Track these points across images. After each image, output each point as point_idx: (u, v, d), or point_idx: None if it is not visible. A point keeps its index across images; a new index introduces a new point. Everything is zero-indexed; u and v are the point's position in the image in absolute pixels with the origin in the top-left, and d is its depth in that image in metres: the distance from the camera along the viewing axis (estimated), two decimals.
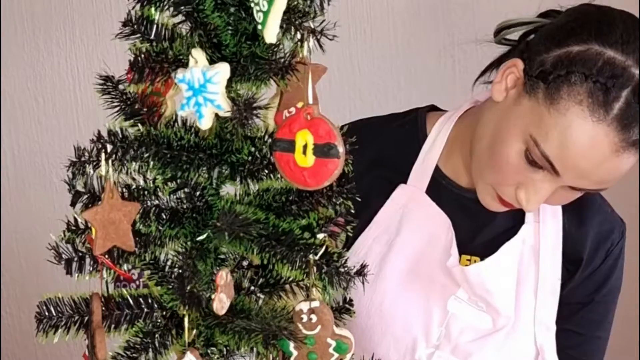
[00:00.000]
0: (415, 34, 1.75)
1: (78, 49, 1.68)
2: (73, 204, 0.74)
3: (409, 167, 1.10)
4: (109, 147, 0.69)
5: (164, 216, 0.73)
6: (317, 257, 0.70)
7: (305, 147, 0.66)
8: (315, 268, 0.70)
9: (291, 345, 0.71)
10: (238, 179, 0.73)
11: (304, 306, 0.71)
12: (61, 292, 0.76)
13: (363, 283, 0.73)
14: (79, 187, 0.73)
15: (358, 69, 1.75)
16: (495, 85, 1.01)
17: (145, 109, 0.72)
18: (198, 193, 0.73)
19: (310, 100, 0.67)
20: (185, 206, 0.73)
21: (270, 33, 0.64)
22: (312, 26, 0.66)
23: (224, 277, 0.68)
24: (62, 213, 1.90)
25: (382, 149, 1.11)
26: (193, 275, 0.69)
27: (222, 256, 0.76)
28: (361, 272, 0.73)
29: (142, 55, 0.68)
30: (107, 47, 1.68)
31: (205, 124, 0.67)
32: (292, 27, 0.65)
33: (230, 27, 0.69)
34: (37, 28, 1.67)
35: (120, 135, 0.69)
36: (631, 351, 1.95)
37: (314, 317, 0.71)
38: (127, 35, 0.69)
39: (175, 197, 0.73)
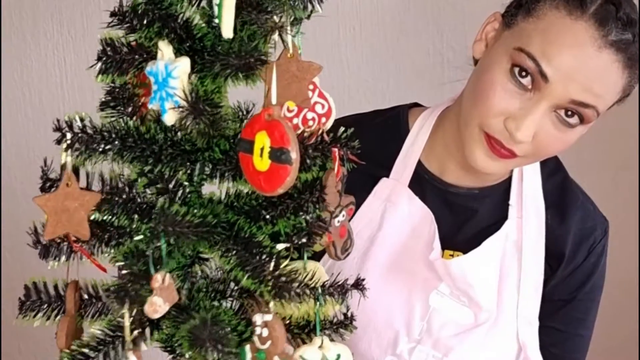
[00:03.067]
0: (404, 32, 1.74)
1: (66, 41, 1.67)
2: (42, 190, 0.74)
3: (392, 162, 1.10)
4: (69, 136, 0.67)
5: (133, 209, 0.71)
6: (271, 269, 0.65)
7: (262, 149, 0.63)
8: (271, 279, 0.66)
9: (248, 356, 0.68)
10: (216, 179, 0.71)
11: (258, 318, 0.68)
12: (47, 277, 0.76)
13: (316, 299, 0.69)
14: (52, 175, 0.73)
15: (347, 66, 1.75)
16: (475, 43, 1.02)
17: (124, 100, 0.70)
18: (178, 190, 0.70)
19: (274, 100, 0.64)
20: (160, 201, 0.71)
21: (225, 27, 0.62)
22: (277, 21, 0.63)
23: (159, 279, 0.65)
24: None
25: (365, 145, 1.10)
26: (131, 274, 0.66)
27: (204, 255, 0.74)
28: (325, 289, 0.69)
29: (112, 45, 0.67)
30: (95, 40, 1.67)
31: (169, 119, 0.65)
32: (254, 23, 0.63)
33: (204, 20, 0.67)
34: (24, 19, 1.66)
35: (80, 126, 0.67)
36: (631, 351, 1.96)
37: (264, 332, 0.68)
38: (116, 25, 0.67)
39: (150, 192, 0.71)
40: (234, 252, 0.67)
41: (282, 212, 0.70)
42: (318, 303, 0.69)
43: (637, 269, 1.77)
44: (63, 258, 0.75)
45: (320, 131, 0.69)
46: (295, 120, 0.72)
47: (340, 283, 0.71)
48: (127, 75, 0.68)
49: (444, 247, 1.08)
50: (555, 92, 0.92)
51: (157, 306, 0.66)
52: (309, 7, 0.67)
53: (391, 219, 1.09)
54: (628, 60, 0.92)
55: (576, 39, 0.91)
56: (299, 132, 0.68)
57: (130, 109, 0.70)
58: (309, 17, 0.67)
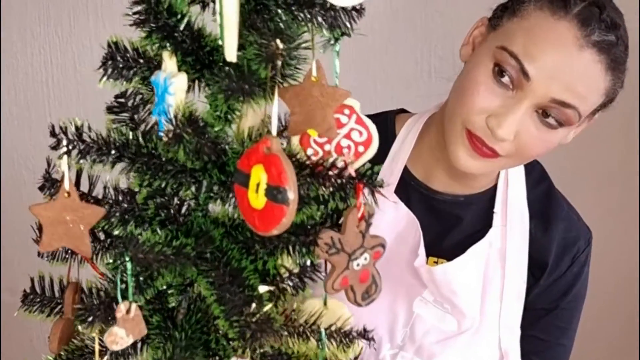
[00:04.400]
0: (392, 40, 1.75)
1: (52, 40, 1.66)
2: (41, 189, 0.71)
3: None
4: (64, 142, 0.63)
5: (131, 220, 0.66)
6: (250, 311, 0.60)
7: (258, 185, 0.57)
8: (247, 323, 0.61)
9: None
10: (225, 201, 0.65)
11: None
12: (56, 273, 0.75)
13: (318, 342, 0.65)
14: (55, 175, 0.70)
15: (334, 73, 1.75)
16: (463, 47, 1.03)
17: (131, 107, 0.66)
18: (183, 208, 0.66)
19: (274, 131, 0.57)
20: (162, 215, 0.66)
21: (228, 50, 0.56)
22: (281, 45, 0.56)
23: (122, 310, 0.60)
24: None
25: None
26: (98, 298, 0.62)
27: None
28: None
29: (118, 49, 0.62)
30: (81, 40, 1.67)
31: (164, 135, 0.60)
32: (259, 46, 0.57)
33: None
34: (12, 17, 1.65)
35: (76, 133, 0.63)
36: (631, 351, 1.96)
37: None
38: (139, 24, 0.60)
39: (153, 204, 0.66)
40: (218, 285, 0.62)
41: (272, 251, 0.65)
42: (320, 347, 0.65)
43: (637, 269, 1.78)
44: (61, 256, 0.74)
45: (343, 162, 0.62)
46: (327, 147, 0.66)
47: (345, 330, 0.66)
48: (132, 82, 0.64)
49: (428, 253, 1.08)
50: (537, 91, 0.92)
51: (118, 337, 0.61)
52: (340, 27, 0.59)
53: (376, 225, 1.08)
54: (611, 62, 0.93)
55: (558, 38, 0.92)
56: (331, 160, 0.62)
57: (136, 117, 0.66)
58: (337, 40, 0.60)
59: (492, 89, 0.95)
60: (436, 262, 1.09)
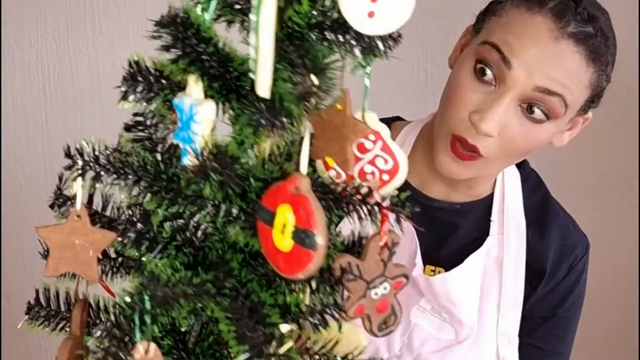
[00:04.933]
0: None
1: (50, 47, 1.66)
2: (51, 207, 0.67)
3: None
4: (80, 164, 0.60)
5: (144, 242, 0.63)
6: (270, 351, 0.57)
7: (285, 226, 0.53)
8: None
9: None
10: (243, 228, 0.61)
11: None
12: (64, 285, 0.72)
13: None
14: (66, 192, 0.66)
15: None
16: (451, 54, 1.05)
17: (150, 127, 0.62)
18: (198, 232, 0.63)
19: (304, 168, 0.53)
20: (179, 240, 0.63)
21: (260, 86, 0.52)
22: (317, 82, 0.53)
23: (140, 350, 0.57)
24: (27, 212, 1.88)
25: None
26: (113, 337, 0.58)
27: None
28: None
29: (139, 68, 0.58)
30: (79, 47, 1.67)
31: (187, 163, 0.57)
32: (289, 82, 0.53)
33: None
34: (9, 23, 1.65)
35: (92, 154, 0.60)
36: (631, 351, 1.97)
37: None
38: (159, 36, 0.56)
39: (169, 228, 0.63)
40: (237, 319, 0.59)
41: (294, 287, 0.62)
42: None
43: (637, 269, 1.78)
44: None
45: (368, 188, 0.59)
46: (350, 171, 0.63)
47: None
48: (152, 105, 0.60)
49: (425, 262, 1.08)
50: (518, 81, 0.93)
51: None
52: (375, 52, 0.57)
53: None
54: (590, 53, 0.93)
55: (534, 31, 0.93)
56: (354, 185, 0.60)
57: (154, 137, 0.63)
58: (369, 63, 0.58)
59: (474, 88, 0.96)
60: (433, 271, 1.09)
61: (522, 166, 1.14)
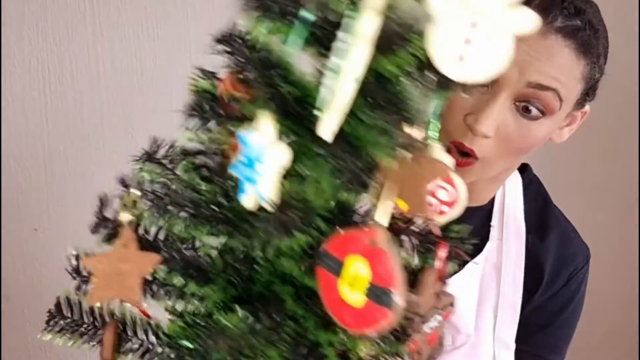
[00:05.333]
0: None
1: (50, 49, 1.66)
2: (93, 232, 0.65)
3: None
4: (137, 194, 0.58)
5: (189, 271, 0.60)
6: None
7: (355, 278, 0.49)
8: None
9: None
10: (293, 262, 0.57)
11: None
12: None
13: None
14: (108, 214, 0.64)
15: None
16: None
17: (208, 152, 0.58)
18: (252, 263, 0.60)
19: (386, 221, 0.48)
20: (229, 272, 0.60)
21: (325, 129, 0.47)
22: (415, 134, 0.49)
23: None
24: (27, 215, 1.87)
25: None
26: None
27: None
28: None
29: (203, 99, 0.55)
30: (80, 49, 1.67)
31: (246, 202, 0.52)
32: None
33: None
34: (9, 25, 1.64)
35: (151, 187, 0.58)
36: (631, 351, 1.96)
37: None
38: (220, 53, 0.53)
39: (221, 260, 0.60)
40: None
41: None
42: None
43: (637, 270, 1.78)
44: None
45: (426, 222, 0.56)
46: None
47: None
48: (212, 134, 0.56)
49: None
50: (511, 79, 0.92)
51: None
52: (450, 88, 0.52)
53: None
54: (580, 46, 0.93)
55: None
56: (410, 218, 0.56)
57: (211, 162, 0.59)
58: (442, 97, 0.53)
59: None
60: None
61: (525, 172, 1.13)
